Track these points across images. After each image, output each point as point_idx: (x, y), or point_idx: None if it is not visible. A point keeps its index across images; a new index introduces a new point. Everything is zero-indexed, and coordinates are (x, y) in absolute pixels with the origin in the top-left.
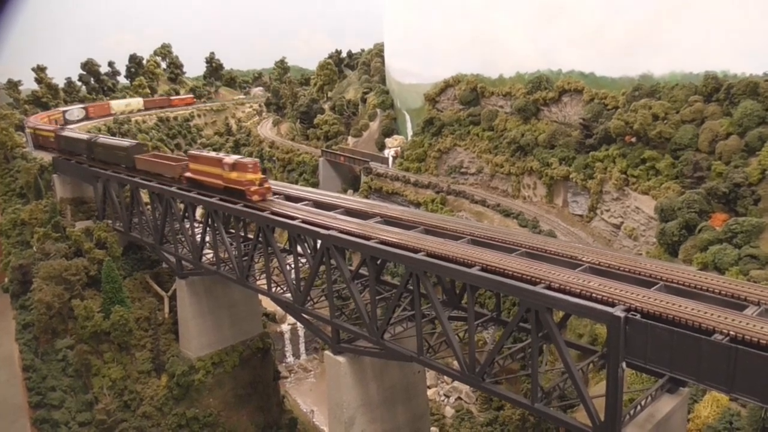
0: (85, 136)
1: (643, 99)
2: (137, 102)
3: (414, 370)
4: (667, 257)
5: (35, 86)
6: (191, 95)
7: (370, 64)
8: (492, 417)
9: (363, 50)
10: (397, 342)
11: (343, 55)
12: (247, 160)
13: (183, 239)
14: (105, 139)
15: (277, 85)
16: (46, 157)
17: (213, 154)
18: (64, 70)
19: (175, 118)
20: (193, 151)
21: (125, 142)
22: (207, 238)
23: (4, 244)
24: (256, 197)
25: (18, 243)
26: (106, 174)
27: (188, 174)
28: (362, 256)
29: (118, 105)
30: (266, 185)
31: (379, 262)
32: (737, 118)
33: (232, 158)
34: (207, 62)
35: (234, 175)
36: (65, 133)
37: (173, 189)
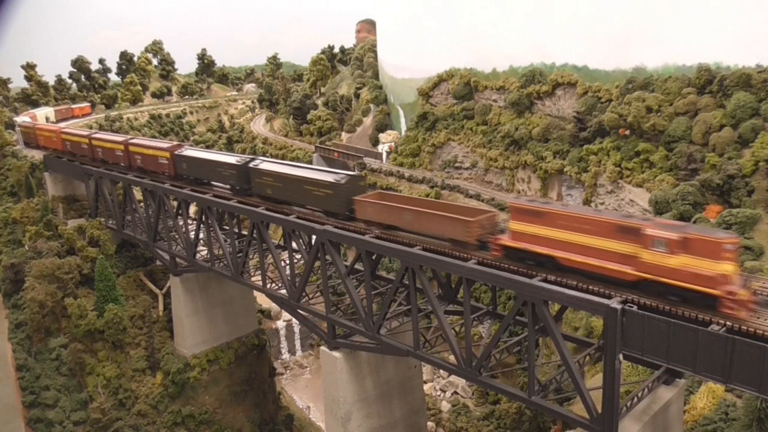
0: (233, 159)
1: (636, 92)
2: (51, 112)
3: (410, 364)
4: None
5: (25, 84)
6: (88, 104)
7: (363, 59)
8: (488, 411)
9: (356, 45)
10: (393, 337)
11: (336, 50)
12: (722, 234)
13: (177, 236)
14: (276, 165)
15: (269, 81)
16: (37, 155)
17: (591, 211)
18: (54, 68)
19: (167, 115)
20: (519, 202)
21: (328, 173)
22: (201, 235)
23: None
24: (740, 312)
25: (9, 242)
26: (98, 171)
27: (507, 241)
28: (357, 251)
29: (40, 114)
30: (751, 284)
31: (374, 257)
32: (730, 109)
33: (668, 227)
34: (199, 59)
35: (677, 260)
36: (188, 152)
37: (166, 185)
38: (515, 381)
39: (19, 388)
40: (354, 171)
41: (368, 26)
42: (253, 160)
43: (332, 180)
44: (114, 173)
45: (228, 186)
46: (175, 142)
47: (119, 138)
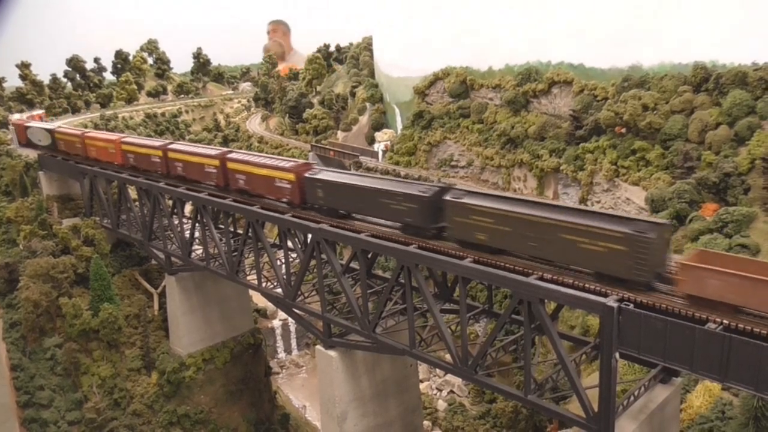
0: (412, 188)
1: (632, 90)
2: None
3: (406, 363)
4: None
5: (20, 83)
6: (42, 111)
7: (358, 57)
8: (484, 410)
9: (351, 44)
10: (389, 336)
11: (332, 48)
12: None
13: (172, 235)
14: (495, 201)
15: (265, 79)
16: (32, 154)
17: None
18: (49, 67)
19: (163, 114)
20: None
21: (610, 218)
22: (196, 234)
23: None
24: None
25: (4, 241)
26: (93, 170)
27: None
28: (353, 250)
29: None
30: None
31: (370, 255)
32: (726, 107)
33: None
34: (194, 57)
35: None
36: (327, 176)
37: (161, 184)
38: (511, 380)
39: (13, 388)
40: (349, 169)
41: (283, 27)
42: (447, 190)
43: (627, 230)
44: (109, 172)
45: (398, 224)
46: (301, 161)
47: (212, 151)
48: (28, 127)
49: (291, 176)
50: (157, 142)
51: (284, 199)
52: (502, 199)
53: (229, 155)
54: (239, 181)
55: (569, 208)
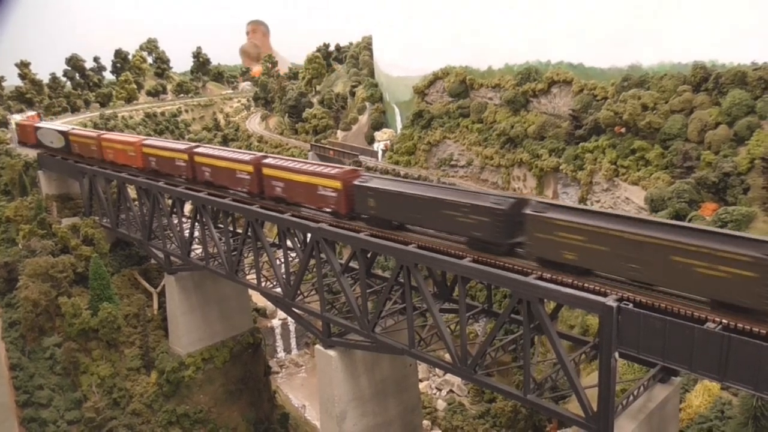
0: (482, 199)
1: (632, 89)
2: (19, 118)
3: (405, 363)
4: None
5: (19, 82)
6: (36, 113)
7: (358, 57)
8: (484, 409)
9: (351, 43)
10: (388, 335)
11: (332, 48)
12: None
13: (171, 235)
14: (592, 216)
15: (265, 79)
16: (31, 154)
17: None
18: (49, 66)
19: (163, 113)
20: None
21: (746, 241)
22: (195, 233)
23: None
24: None
25: (3, 240)
26: (92, 169)
27: None
28: (352, 249)
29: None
30: None
31: (369, 255)
32: (726, 107)
33: None
34: (194, 57)
35: None
36: (378, 184)
37: (160, 184)
38: (511, 379)
39: (12, 388)
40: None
41: (263, 28)
42: (525, 202)
43: (759, 254)
44: (108, 171)
45: (463, 237)
46: (348, 167)
47: (246, 156)
48: (38, 128)
49: (337, 184)
50: (182, 144)
51: (327, 209)
52: (595, 215)
53: (265, 160)
54: (276, 188)
55: (683, 226)
